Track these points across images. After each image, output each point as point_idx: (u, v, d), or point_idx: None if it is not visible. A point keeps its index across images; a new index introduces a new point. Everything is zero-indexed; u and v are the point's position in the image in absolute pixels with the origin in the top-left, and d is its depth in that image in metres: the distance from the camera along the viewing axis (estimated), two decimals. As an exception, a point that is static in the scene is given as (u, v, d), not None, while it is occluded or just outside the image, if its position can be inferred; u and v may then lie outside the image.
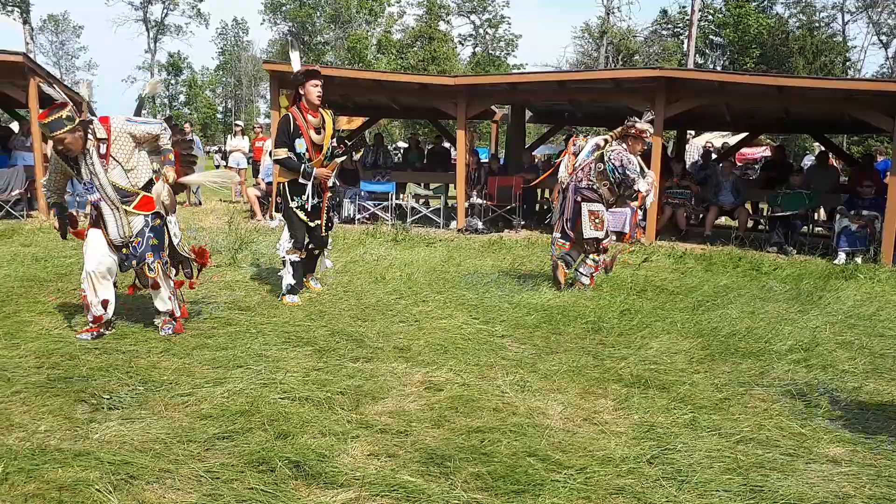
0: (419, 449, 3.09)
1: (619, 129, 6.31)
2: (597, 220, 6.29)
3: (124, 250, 4.58)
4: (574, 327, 5.20)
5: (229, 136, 16.81)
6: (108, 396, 3.55)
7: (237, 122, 22.01)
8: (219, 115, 60.30)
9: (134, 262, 4.60)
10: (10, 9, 31.27)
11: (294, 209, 5.74)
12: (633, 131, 6.20)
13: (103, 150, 4.30)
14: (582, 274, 6.53)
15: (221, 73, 62.58)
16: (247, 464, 2.91)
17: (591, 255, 6.46)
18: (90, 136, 4.28)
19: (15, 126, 14.18)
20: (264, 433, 3.17)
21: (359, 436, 3.20)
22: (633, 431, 3.35)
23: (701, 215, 11.35)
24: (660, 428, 3.39)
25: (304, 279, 6.05)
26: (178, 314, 4.70)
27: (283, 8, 49.46)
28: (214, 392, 3.64)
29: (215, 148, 32.99)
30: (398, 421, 3.38)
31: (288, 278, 5.75)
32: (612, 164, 6.18)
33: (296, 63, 5.82)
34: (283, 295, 5.73)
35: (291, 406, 3.48)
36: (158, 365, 4.06)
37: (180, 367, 4.03)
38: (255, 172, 13.78)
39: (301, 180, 5.65)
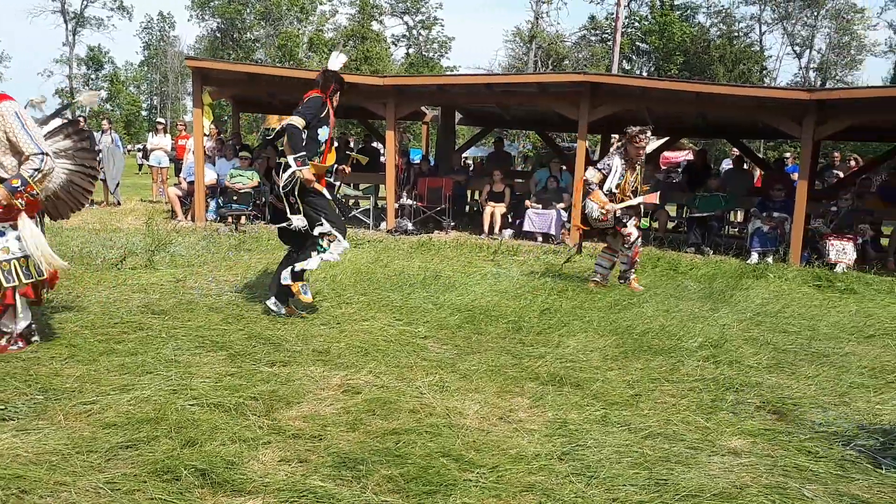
0: (332, 453, 3.05)
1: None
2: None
3: None
4: (496, 327, 5.25)
5: (151, 133, 16.23)
6: (3, 406, 3.36)
7: (159, 119, 21.33)
8: (143, 112, 58.25)
9: None
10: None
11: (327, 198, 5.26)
12: (625, 136, 6.71)
13: None
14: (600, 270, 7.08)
15: (146, 68, 60.53)
16: (150, 473, 2.81)
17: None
18: None
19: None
20: (171, 441, 3.06)
21: (270, 442, 3.13)
22: (546, 429, 3.41)
23: (624, 217, 11.66)
24: (572, 425, 3.45)
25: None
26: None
27: (212, 3, 48.18)
28: (120, 399, 3.50)
29: (139, 146, 31.82)
30: (312, 425, 3.33)
31: (313, 262, 5.22)
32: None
33: (338, 63, 5.42)
34: (299, 292, 5.21)
35: (201, 413, 3.38)
36: (61, 372, 3.87)
37: (85, 374, 3.85)
38: (178, 171, 13.36)
39: (290, 160, 5.03)
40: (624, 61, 41.81)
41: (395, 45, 50.83)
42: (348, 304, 5.77)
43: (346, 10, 48.11)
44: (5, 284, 4.05)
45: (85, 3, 51.86)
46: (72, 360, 4.08)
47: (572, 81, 10.58)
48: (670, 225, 12.05)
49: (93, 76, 56.94)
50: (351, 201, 12.93)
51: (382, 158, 13.84)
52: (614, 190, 6.75)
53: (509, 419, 3.52)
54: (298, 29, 47.10)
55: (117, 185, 13.68)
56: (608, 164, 6.76)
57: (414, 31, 51.22)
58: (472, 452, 3.10)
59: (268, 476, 2.82)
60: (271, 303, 5.33)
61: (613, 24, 29.24)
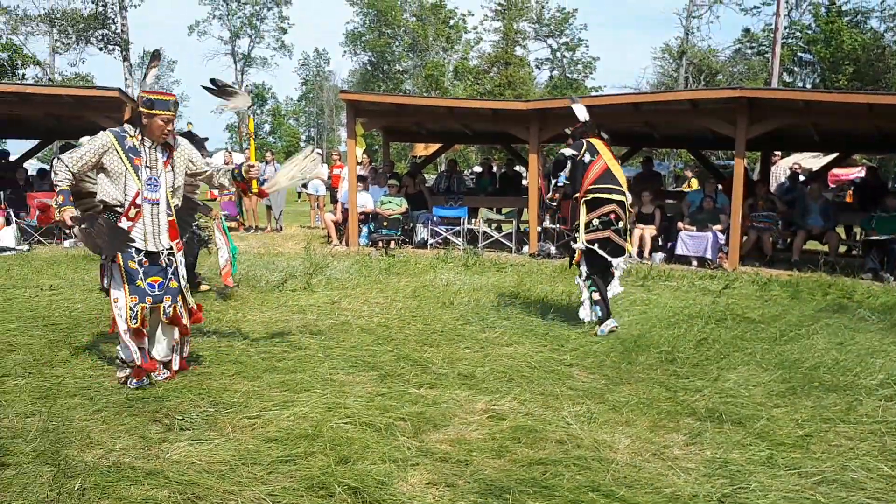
0: (478, 479, 3.04)
1: None
2: None
3: (161, 261, 4.23)
4: (646, 357, 5.03)
5: (309, 163, 17.32)
6: (181, 417, 3.68)
7: (317, 150, 22.74)
8: (302, 144, 62.42)
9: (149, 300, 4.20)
10: (111, 48, 33.52)
11: None
12: None
13: (165, 156, 4.25)
14: None
15: (304, 102, 64.90)
16: (307, 488, 2.94)
17: None
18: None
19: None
20: (325, 458, 3.20)
21: (418, 463, 3.18)
22: (704, 468, 3.20)
23: (788, 239, 10.84)
24: (733, 465, 3.22)
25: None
26: (175, 367, 4.41)
27: (363, 38, 50.88)
28: (281, 415, 3.71)
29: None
30: (459, 449, 3.35)
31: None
32: None
33: (582, 113, 6.42)
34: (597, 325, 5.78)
35: (354, 431, 3.50)
36: (230, 387, 4.18)
37: (250, 389, 4.13)
38: (333, 199, 14.14)
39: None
40: (784, 74, 39.10)
41: (539, 69, 50.94)
42: (492, 328, 5.78)
43: (489, 38, 48.94)
44: (193, 304, 4.52)
45: (252, 44, 56.60)
46: (238, 376, 4.40)
47: (727, 97, 10.04)
48: (842, 248, 11.01)
49: (257, 111, 61.91)
50: (493, 225, 13.01)
51: (525, 182, 13.86)
52: None
53: (663, 456, 3.34)
54: (444, 58, 48.54)
55: (280, 212, 14.71)
56: None
57: (558, 54, 51.08)
58: (624, 489, 2.97)
59: (416, 499, 2.86)
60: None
61: (772, 35, 27.55)
